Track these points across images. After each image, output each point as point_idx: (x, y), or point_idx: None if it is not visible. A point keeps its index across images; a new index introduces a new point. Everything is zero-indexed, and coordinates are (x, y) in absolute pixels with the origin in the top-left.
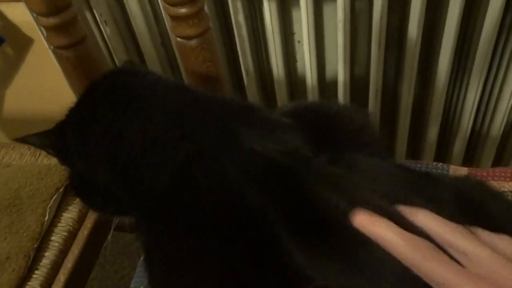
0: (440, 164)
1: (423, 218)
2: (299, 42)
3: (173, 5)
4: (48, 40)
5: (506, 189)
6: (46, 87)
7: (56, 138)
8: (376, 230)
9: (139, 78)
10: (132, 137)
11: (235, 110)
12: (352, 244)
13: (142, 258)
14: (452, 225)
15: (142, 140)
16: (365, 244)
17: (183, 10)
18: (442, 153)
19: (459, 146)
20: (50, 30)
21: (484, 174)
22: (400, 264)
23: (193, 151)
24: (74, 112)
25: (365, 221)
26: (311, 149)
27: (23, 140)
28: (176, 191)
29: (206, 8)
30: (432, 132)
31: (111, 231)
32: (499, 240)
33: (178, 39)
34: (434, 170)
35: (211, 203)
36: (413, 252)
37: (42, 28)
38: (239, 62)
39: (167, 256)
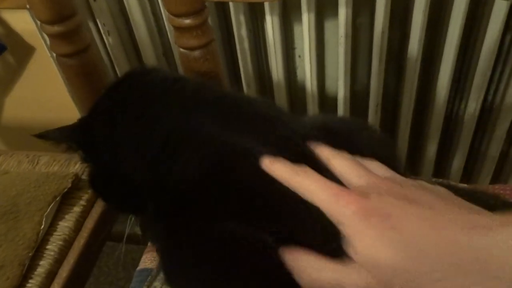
0: (439, 181)
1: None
2: (300, 56)
3: (178, 16)
4: (52, 48)
5: None
6: (46, 96)
7: (82, 131)
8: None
9: (166, 74)
10: (165, 127)
11: (270, 111)
12: None
13: (139, 268)
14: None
15: (176, 130)
16: None
17: (187, 21)
18: (441, 169)
19: (458, 162)
20: (55, 38)
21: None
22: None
23: (228, 147)
24: (98, 107)
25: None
26: None
27: (43, 136)
28: (206, 185)
29: (209, 21)
30: (431, 148)
31: (124, 241)
32: (370, 164)
33: (181, 49)
34: None
35: (240, 201)
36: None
37: (45, 37)
38: (241, 75)
39: (185, 253)
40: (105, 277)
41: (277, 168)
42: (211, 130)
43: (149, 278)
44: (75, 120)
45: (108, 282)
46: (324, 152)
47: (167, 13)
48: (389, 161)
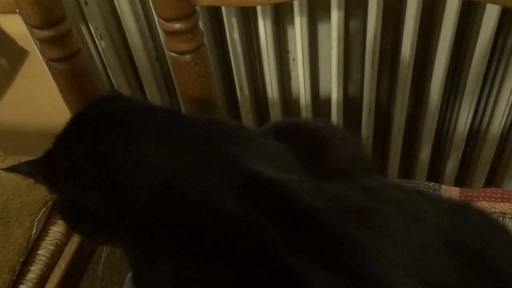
0: (432, 184)
1: None
2: (293, 60)
3: (168, 20)
4: (42, 52)
5: (497, 210)
6: (39, 100)
7: (45, 165)
8: None
9: (123, 103)
10: (117, 159)
11: (218, 129)
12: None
13: (129, 275)
14: None
15: (126, 161)
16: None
17: (177, 25)
18: (435, 173)
19: (451, 166)
20: (44, 43)
21: (476, 194)
22: None
23: (174, 170)
24: (61, 139)
25: None
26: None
27: (13, 169)
28: (157, 210)
29: (201, 25)
30: (425, 152)
31: (102, 260)
32: None
33: (172, 54)
34: (425, 190)
35: (191, 219)
36: None
37: (37, 41)
38: (233, 78)
39: (152, 275)
40: (100, 281)
41: None
42: (156, 160)
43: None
44: None
45: (103, 286)
46: None
47: (158, 17)
48: (358, 159)
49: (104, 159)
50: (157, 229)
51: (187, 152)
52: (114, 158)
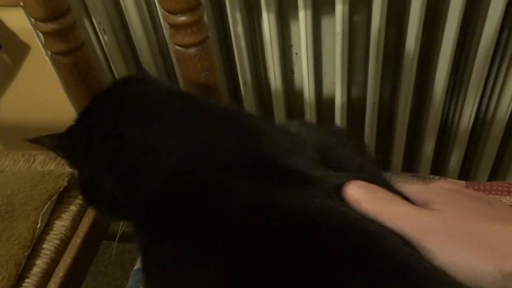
0: (436, 178)
1: None
2: (297, 54)
3: (173, 13)
4: (45, 46)
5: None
6: (41, 95)
7: (66, 141)
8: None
9: (143, 85)
10: (132, 142)
11: (233, 115)
12: None
13: (135, 267)
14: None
15: (140, 145)
16: None
17: (182, 18)
18: (439, 167)
19: (455, 159)
20: (48, 36)
21: (482, 188)
22: None
23: (185, 154)
24: (82, 117)
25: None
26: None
27: (35, 140)
28: (167, 192)
29: (205, 18)
30: (429, 146)
31: (116, 240)
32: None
33: (177, 47)
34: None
35: (199, 202)
36: None
37: (40, 35)
38: (237, 72)
39: (161, 260)
40: (103, 277)
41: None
42: (169, 143)
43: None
44: (71, 120)
45: (106, 281)
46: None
47: (162, 10)
48: (372, 173)
49: (119, 141)
50: (165, 211)
51: (199, 135)
52: (128, 141)
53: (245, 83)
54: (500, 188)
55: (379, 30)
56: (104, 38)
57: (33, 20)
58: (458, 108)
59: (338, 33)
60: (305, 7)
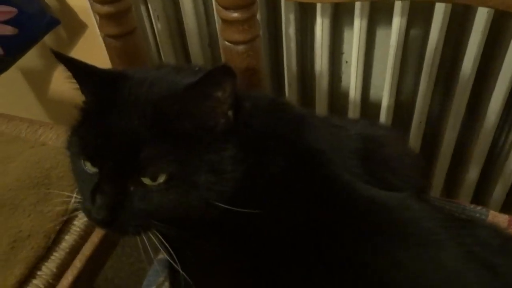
0: (479, 208)
1: None
2: (347, 62)
3: (227, 8)
4: (100, 27)
5: None
6: None
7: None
8: None
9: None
10: None
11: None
12: None
13: (159, 257)
14: None
15: None
16: None
17: (235, 15)
18: (480, 195)
19: (500, 190)
20: (103, 18)
21: None
22: None
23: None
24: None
25: None
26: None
27: (61, 57)
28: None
29: (258, 16)
30: (473, 173)
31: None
32: None
33: (226, 42)
34: (471, 214)
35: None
36: None
37: (97, 16)
38: (284, 73)
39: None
40: (127, 258)
41: None
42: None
43: (167, 270)
44: None
45: (129, 263)
46: None
47: (216, 4)
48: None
49: None
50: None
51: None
52: None
53: (290, 86)
54: None
55: (436, 48)
56: (157, 25)
57: (91, 0)
58: (510, 136)
59: (392, 45)
60: (361, 16)
